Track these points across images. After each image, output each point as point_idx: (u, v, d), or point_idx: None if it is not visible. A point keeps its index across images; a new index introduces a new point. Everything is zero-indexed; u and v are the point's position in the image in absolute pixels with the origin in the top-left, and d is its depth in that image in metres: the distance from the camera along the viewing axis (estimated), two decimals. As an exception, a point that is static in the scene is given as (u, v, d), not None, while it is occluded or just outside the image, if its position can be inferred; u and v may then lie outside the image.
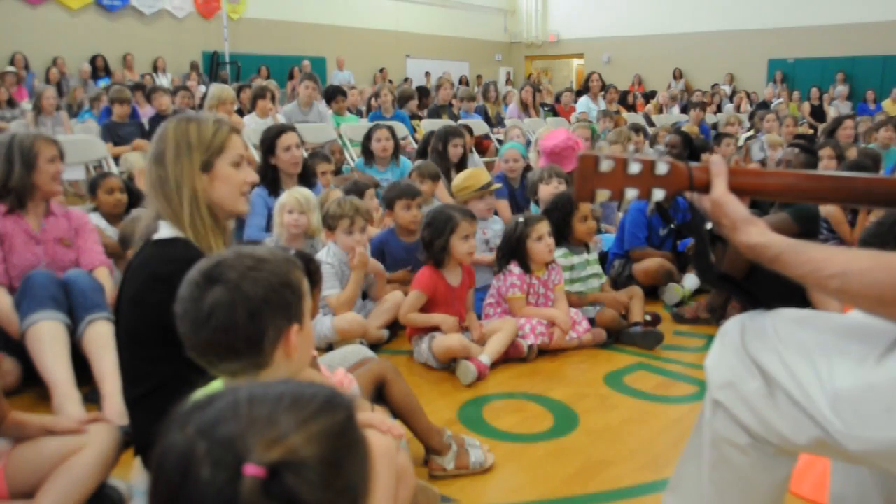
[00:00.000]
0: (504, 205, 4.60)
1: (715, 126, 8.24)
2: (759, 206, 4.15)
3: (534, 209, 4.06)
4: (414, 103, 8.28)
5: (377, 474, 1.47)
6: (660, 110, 11.56)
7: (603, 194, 1.31)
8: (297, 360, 1.32)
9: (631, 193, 1.31)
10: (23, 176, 2.75)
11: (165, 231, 1.73)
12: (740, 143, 7.24)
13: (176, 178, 1.72)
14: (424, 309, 3.08)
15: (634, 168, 1.30)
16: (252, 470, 0.66)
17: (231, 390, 0.75)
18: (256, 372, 1.28)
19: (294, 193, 3.49)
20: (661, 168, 1.31)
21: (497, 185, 4.04)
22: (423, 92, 8.49)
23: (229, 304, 1.23)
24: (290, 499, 0.67)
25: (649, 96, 13.95)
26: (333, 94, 7.25)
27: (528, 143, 6.78)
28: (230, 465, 0.67)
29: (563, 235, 3.47)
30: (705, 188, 1.32)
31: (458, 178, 3.96)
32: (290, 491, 0.67)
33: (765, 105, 12.15)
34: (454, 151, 5.13)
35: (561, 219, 3.44)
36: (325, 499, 0.68)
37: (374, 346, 3.20)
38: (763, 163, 6.27)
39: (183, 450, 0.70)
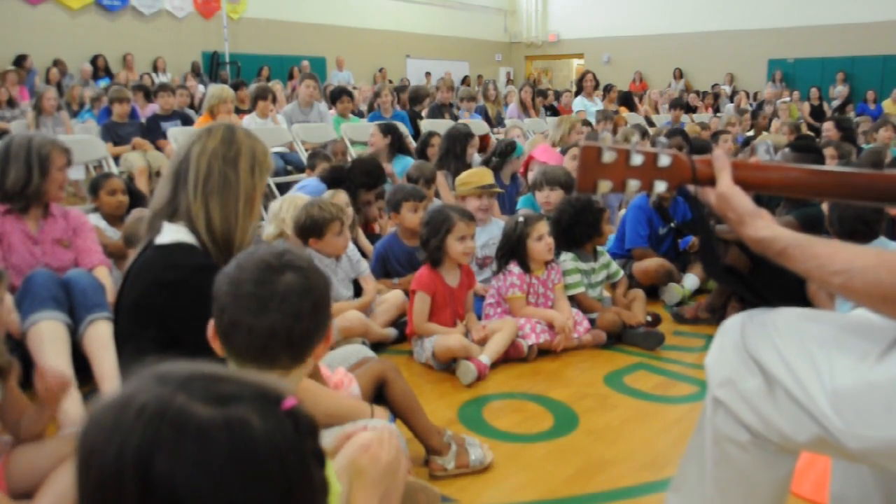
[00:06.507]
0: (493, 203, 4.62)
1: (706, 127, 8.25)
2: (764, 208, 4.16)
3: (536, 208, 4.06)
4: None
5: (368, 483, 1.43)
6: (656, 109, 11.56)
7: (605, 185, 1.31)
8: (317, 361, 1.34)
9: (633, 185, 1.31)
10: (39, 183, 2.79)
11: (170, 234, 1.69)
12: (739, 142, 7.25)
13: (247, 190, 1.73)
14: (424, 309, 3.07)
15: (637, 160, 1.30)
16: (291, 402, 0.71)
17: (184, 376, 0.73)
18: (291, 368, 1.28)
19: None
20: (664, 160, 1.31)
21: (498, 190, 4.02)
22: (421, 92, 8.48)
23: (302, 291, 1.24)
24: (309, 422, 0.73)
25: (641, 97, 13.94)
26: (339, 95, 7.13)
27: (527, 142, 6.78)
28: (274, 404, 0.70)
29: (589, 237, 3.45)
30: (707, 181, 1.32)
31: (463, 175, 3.98)
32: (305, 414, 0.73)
33: (762, 106, 12.15)
34: (471, 152, 5.16)
35: (594, 221, 3.42)
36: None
37: (381, 346, 3.21)
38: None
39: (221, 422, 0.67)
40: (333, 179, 4.19)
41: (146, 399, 0.67)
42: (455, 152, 5.17)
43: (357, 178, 4.20)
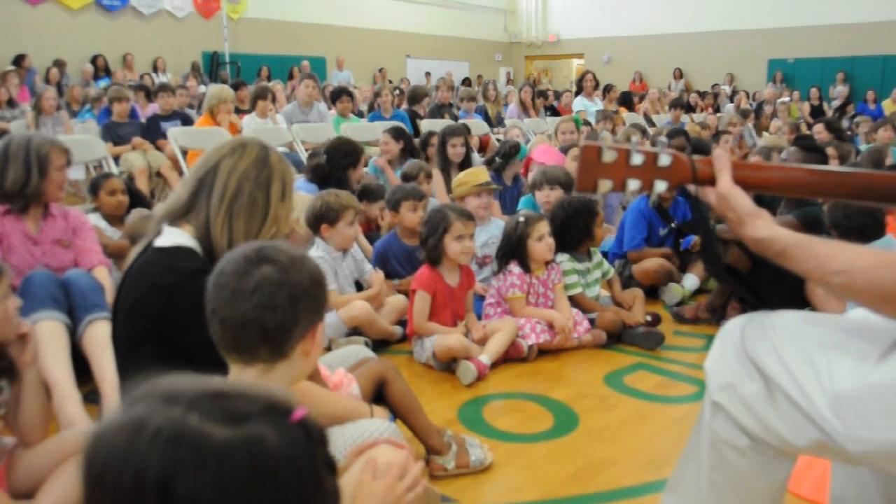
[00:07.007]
0: (494, 203, 4.62)
1: (706, 127, 8.27)
2: (765, 208, 4.17)
3: (537, 208, 4.06)
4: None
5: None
6: (655, 110, 11.55)
7: (605, 185, 1.31)
8: (311, 361, 1.32)
9: (633, 185, 1.31)
10: (37, 183, 2.79)
11: (170, 237, 1.68)
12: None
13: (276, 213, 1.72)
14: (424, 309, 3.07)
15: (637, 159, 1.30)
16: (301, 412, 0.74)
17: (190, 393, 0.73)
18: (273, 362, 1.28)
19: None
20: (664, 160, 1.31)
21: (496, 187, 4.03)
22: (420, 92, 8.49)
23: (277, 283, 1.25)
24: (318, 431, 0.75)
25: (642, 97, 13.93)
26: (339, 95, 7.08)
27: (528, 143, 6.79)
28: (285, 415, 0.73)
29: (580, 241, 3.46)
30: (708, 180, 1.32)
31: (460, 175, 3.98)
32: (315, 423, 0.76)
33: (761, 106, 12.17)
34: (453, 151, 5.14)
35: (584, 226, 3.43)
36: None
37: (381, 346, 3.21)
38: (755, 147, 6.44)
39: (236, 441, 0.69)
40: (320, 177, 4.15)
41: (160, 422, 0.68)
42: (438, 149, 5.21)
43: (338, 162, 4.16)
